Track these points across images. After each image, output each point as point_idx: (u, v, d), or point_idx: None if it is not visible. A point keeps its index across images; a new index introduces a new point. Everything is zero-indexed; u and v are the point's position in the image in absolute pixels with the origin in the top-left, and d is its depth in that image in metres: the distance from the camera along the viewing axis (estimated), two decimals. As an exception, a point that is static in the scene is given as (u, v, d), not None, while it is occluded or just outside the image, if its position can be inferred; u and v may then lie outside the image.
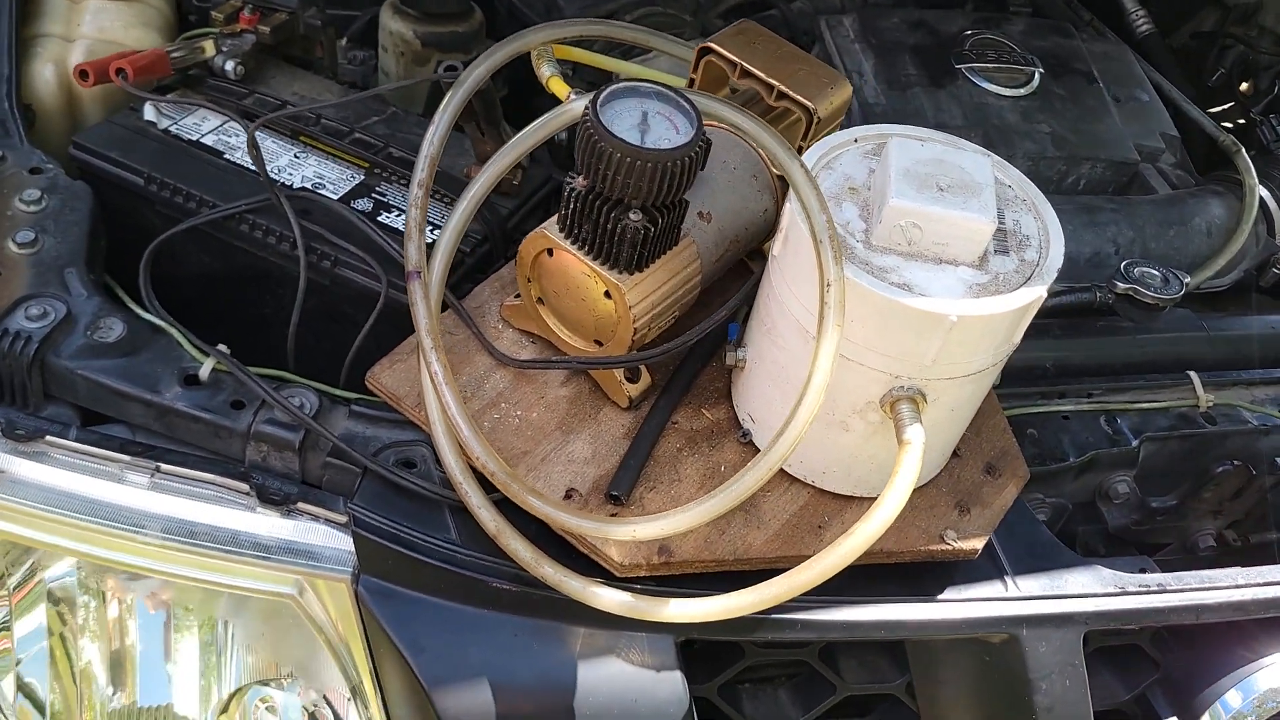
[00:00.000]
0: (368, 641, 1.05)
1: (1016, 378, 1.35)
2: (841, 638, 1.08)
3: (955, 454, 1.15)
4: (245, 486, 1.06)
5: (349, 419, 1.11)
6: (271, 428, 1.07)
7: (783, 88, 1.11)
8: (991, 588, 1.12)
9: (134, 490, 1.05)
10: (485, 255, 1.29)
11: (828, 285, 0.91)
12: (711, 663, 1.15)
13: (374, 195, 1.29)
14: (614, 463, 1.08)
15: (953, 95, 1.62)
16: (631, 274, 1.03)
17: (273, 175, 1.29)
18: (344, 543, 1.05)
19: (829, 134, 1.11)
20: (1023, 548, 1.16)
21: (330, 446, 1.07)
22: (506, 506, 1.02)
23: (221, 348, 1.12)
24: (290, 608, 1.05)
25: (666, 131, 0.99)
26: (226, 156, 1.30)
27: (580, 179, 1.01)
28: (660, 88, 1.00)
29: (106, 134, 1.30)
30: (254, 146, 1.18)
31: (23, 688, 1.13)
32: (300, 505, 1.06)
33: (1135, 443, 1.31)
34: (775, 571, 0.96)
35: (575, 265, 1.05)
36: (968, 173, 0.96)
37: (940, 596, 1.10)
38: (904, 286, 0.93)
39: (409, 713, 1.05)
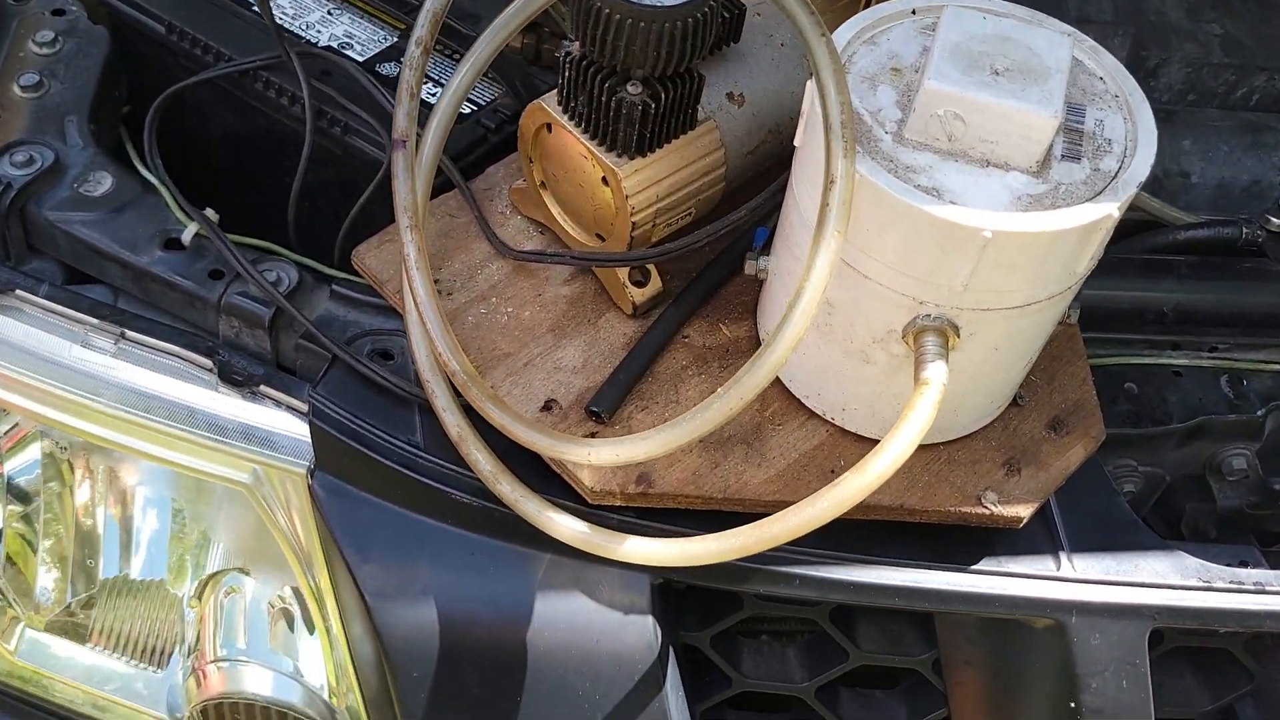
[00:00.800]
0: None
1: (1122, 320, 1.14)
2: (847, 600, 0.94)
3: (1015, 402, 0.97)
4: (209, 362, 0.99)
5: (330, 300, 1.01)
6: (243, 301, 0.99)
7: (843, -53, 0.93)
8: (1039, 564, 0.94)
9: (96, 354, 0.99)
10: (514, 133, 1.16)
11: (831, 182, 0.74)
12: (707, 610, 1.02)
13: (403, 60, 1.18)
14: (606, 375, 0.95)
15: (1104, -16, 1.37)
16: (632, 158, 0.89)
17: (299, 31, 1.19)
18: (307, 433, 0.97)
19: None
20: (1089, 522, 0.98)
21: (304, 328, 0.98)
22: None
23: (209, 212, 1.04)
24: (244, 498, 0.97)
25: (677, -11, 0.83)
26: (255, 9, 1.21)
27: (575, 43, 0.86)
28: (676, -64, 0.84)
29: (137, -24, 1.22)
30: (257, -10, 1.08)
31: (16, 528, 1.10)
32: (263, 388, 0.98)
33: (1261, 411, 1.09)
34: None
35: (572, 144, 0.91)
36: (1036, 54, 0.77)
37: (973, 567, 0.94)
38: (932, 191, 0.75)
39: (360, 624, 0.97)
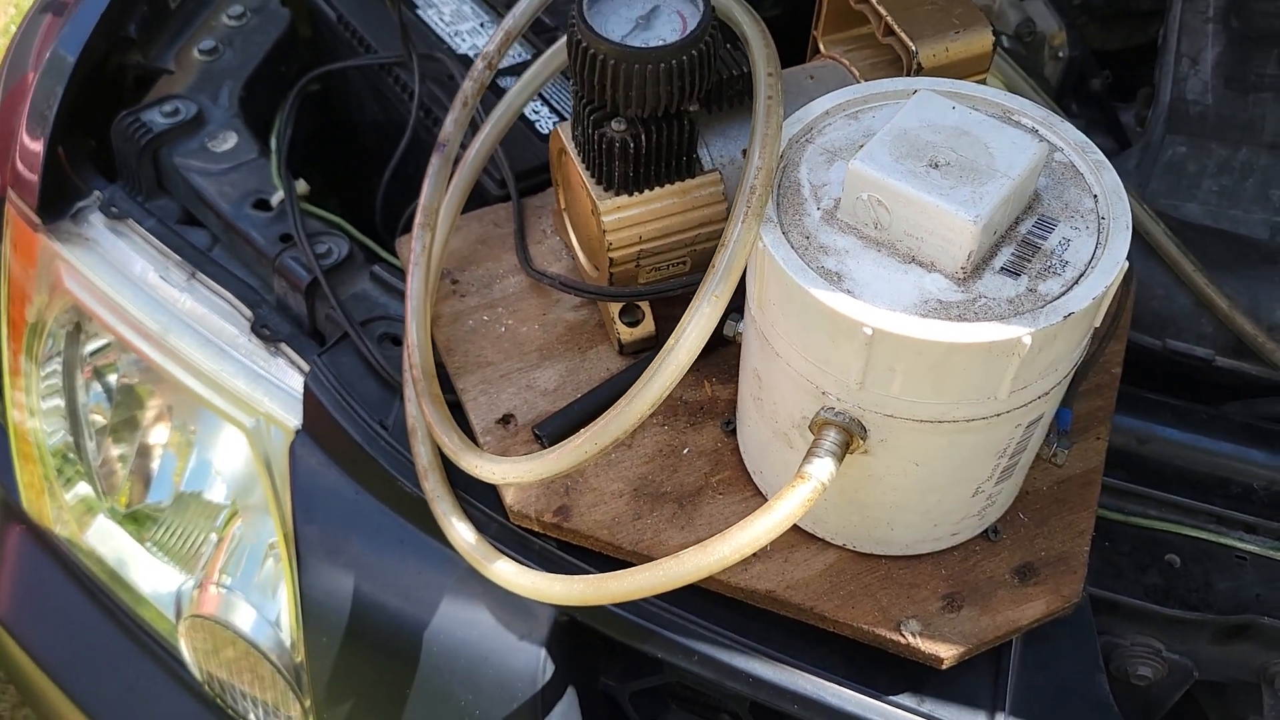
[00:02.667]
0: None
1: (1197, 485, 1.00)
2: (744, 692, 0.88)
3: (988, 535, 0.88)
4: (249, 313, 1.08)
5: (369, 280, 1.08)
6: (291, 264, 1.07)
7: (890, 20, 0.88)
8: (966, 718, 0.85)
9: (167, 286, 1.11)
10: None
11: (724, 245, 0.71)
12: (631, 664, 0.99)
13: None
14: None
15: (1321, 112, 1.20)
16: (618, 194, 0.89)
17: (446, 37, 1.28)
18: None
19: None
20: (1051, 691, 0.87)
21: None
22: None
23: (300, 183, 1.14)
24: (243, 440, 1.06)
25: (668, 32, 0.82)
26: (419, 11, 1.30)
27: (579, 73, 0.87)
28: (686, -20, 0.83)
29: (331, -32, 1.36)
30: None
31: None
32: (283, 346, 1.06)
33: (1337, 629, 0.92)
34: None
35: (575, 172, 0.92)
36: (990, 155, 0.70)
37: (890, 697, 0.85)
38: (832, 276, 0.70)
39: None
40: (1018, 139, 0.71)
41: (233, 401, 1.06)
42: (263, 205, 1.13)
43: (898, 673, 0.87)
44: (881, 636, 0.84)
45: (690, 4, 0.83)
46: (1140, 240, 1.11)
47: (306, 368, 1.04)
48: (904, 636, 0.83)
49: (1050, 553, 0.87)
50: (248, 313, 1.08)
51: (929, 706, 0.85)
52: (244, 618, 1.12)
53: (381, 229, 1.23)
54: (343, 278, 1.07)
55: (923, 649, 0.83)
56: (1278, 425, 1.03)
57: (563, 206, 1.01)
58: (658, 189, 0.89)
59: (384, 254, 1.12)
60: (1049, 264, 0.70)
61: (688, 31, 0.82)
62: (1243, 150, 1.18)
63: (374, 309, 1.06)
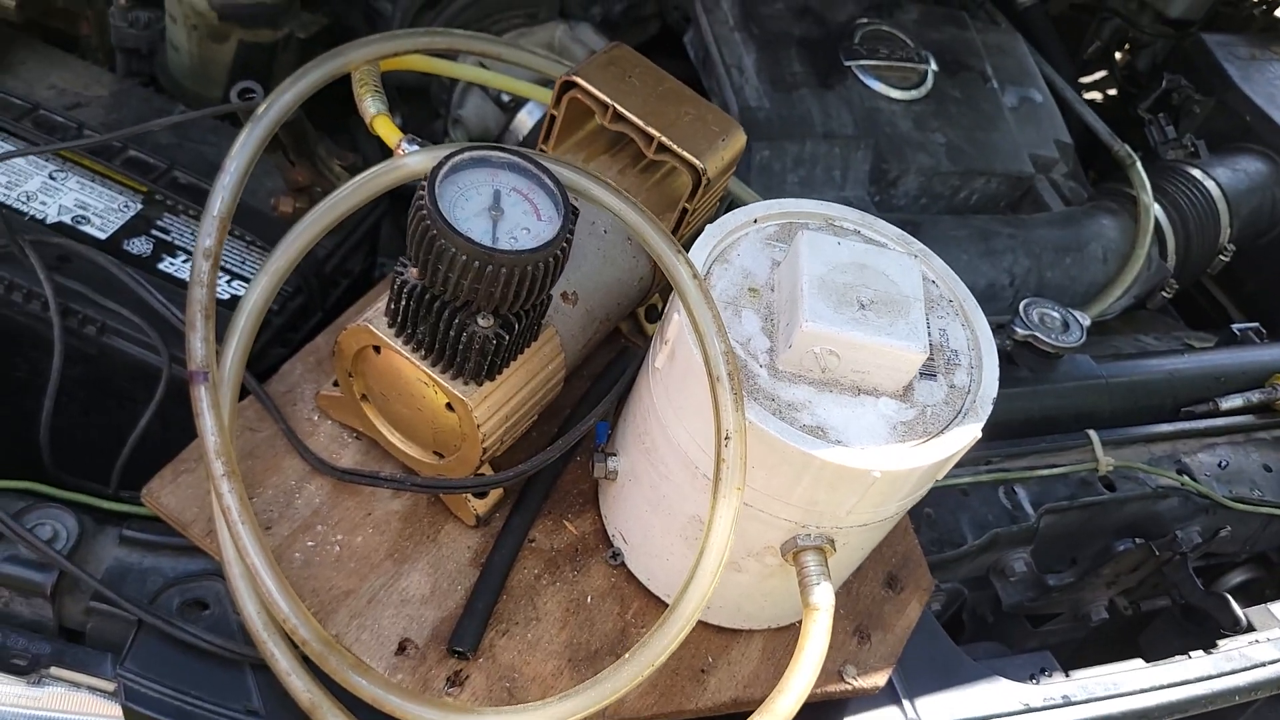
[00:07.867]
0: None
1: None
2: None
3: (853, 565, 1.01)
4: (-21, 649, 0.83)
5: (120, 545, 0.88)
6: (14, 568, 0.84)
7: (665, 139, 0.91)
8: (888, 716, 0.98)
9: None
10: (299, 310, 1.06)
11: (726, 439, 0.73)
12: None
13: (154, 233, 1.04)
14: (458, 599, 0.89)
15: (842, 98, 1.44)
16: (480, 384, 0.83)
17: (17, 205, 1.02)
18: (115, 711, 0.84)
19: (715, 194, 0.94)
20: (922, 662, 1.03)
21: (94, 589, 0.84)
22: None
23: (-53, 454, 0.87)
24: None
25: (523, 217, 0.78)
26: (-37, 179, 1.02)
27: (413, 270, 0.79)
28: (515, 158, 0.79)
29: None
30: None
31: None
32: (53, 670, 0.83)
33: (1034, 518, 1.20)
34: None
35: (409, 370, 0.84)
36: (893, 282, 0.79)
37: (834, 732, 0.96)
38: (817, 430, 0.75)
39: None
40: (899, 260, 0.81)
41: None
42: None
43: (814, 711, 0.97)
44: (831, 691, 0.94)
45: (529, 184, 0.79)
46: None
47: (104, 684, 0.83)
48: (848, 682, 0.94)
49: (898, 556, 1.03)
50: (-27, 648, 0.83)
51: (863, 723, 0.98)
52: None
53: (53, 468, 0.98)
54: (85, 556, 0.86)
55: (864, 685, 0.94)
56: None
57: (359, 395, 0.90)
58: (510, 365, 0.85)
59: (109, 505, 0.91)
60: (947, 357, 0.82)
61: (542, 217, 0.78)
62: (807, 144, 1.39)
63: (147, 579, 0.87)
